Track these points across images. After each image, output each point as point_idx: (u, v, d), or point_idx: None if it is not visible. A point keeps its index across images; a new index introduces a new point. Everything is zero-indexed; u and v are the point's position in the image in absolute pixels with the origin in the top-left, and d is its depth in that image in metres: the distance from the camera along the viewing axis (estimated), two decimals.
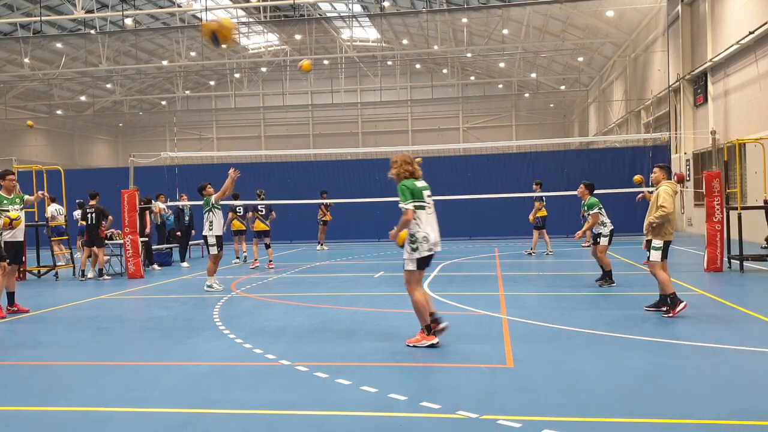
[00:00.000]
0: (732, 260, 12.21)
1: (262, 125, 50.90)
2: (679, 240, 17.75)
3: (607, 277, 10.39)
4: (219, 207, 11.37)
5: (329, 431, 4.27)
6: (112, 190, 16.66)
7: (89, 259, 13.76)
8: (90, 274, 13.67)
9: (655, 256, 7.81)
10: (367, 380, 5.27)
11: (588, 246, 14.60)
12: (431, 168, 22.30)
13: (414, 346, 6.37)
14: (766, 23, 16.30)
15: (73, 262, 14.38)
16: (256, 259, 14.87)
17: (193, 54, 38.24)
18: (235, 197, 15.82)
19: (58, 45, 35.80)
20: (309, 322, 7.94)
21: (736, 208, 12.23)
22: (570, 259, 15.17)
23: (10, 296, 9.12)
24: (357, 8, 35.72)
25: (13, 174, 9.57)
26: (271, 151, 32.46)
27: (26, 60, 34.43)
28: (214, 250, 11.16)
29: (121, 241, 13.81)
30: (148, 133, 50.51)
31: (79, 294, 11.25)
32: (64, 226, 15.19)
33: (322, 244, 19.73)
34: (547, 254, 16.07)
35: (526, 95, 45.46)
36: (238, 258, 16.06)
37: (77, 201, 16.37)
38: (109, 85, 44.40)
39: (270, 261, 14.70)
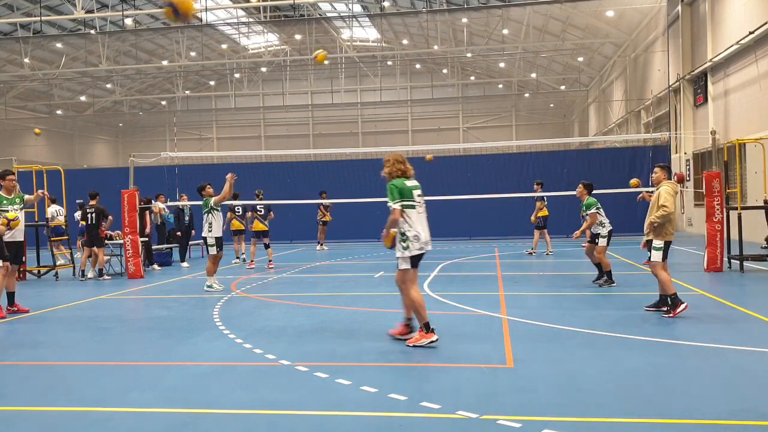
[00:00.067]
0: (732, 260, 12.21)
1: (262, 125, 50.90)
2: (679, 240, 17.75)
3: (607, 277, 10.39)
4: (218, 209, 11.37)
5: (329, 431, 4.27)
6: (112, 190, 16.67)
7: (89, 259, 13.76)
8: (90, 274, 13.67)
9: (656, 256, 7.81)
10: (367, 380, 5.27)
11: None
12: (431, 168, 22.40)
13: (415, 346, 6.37)
14: (766, 23, 16.30)
15: (73, 262, 14.38)
16: (252, 260, 14.86)
17: (193, 54, 38.25)
18: (235, 197, 15.81)
19: (58, 45, 35.80)
20: (309, 322, 7.94)
21: (736, 208, 12.23)
22: (570, 259, 15.17)
23: (10, 296, 9.12)
24: (357, 8, 35.72)
25: (13, 174, 9.57)
26: (271, 151, 32.46)
27: (26, 60, 34.43)
28: (213, 251, 11.16)
29: (121, 241, 13.81)
30: (148, 133, 50.52)
31: (79, 294, 11.25)
32: (63, 227, 15.19)
33: (322, 244, 19.73)
34: (547, 254, 16.08)
35: (526, 95, 45.47)
36: (237, 258, 16.06)
37: (77, 201, 16.37)
38: (109, 85, 44.41)
39: (270, 261, 14.69)
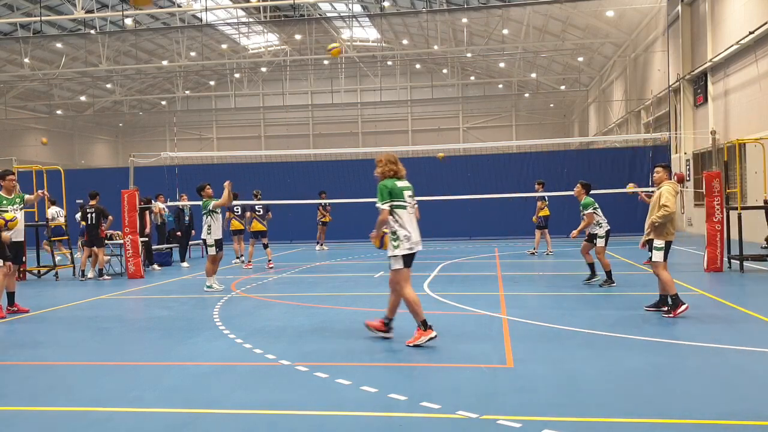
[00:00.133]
0: (732, 260, 12.21)
1: (262, 125, 50.91)
2: (679, 240, 17.74)
3: (607, 277, 10.39)
4: (218, 211, 11.37)
5: (329, 431, 4.27)
6: (112, 190, 16.67)
7: (89, 259, 13.76)
8: (90, 274, 13.67)
9: (658, 256, 7.81)
10: (367, 380, 5.27)
11: None
12: (431, 168, 22.43)
13: (415, 346, 6.37)
14: (766, 23, 16.30)
15: (73, 262, 14.37)
16: (250, 260, 14.86)
17: (193, 54, 38.24)
18: (235, 197, 15.81)
19: (58, 45, 35.80)
20: (309, 322, 7.94)
21: (736, 208, 12.23)
22: (570, 259, 15.16)
23: (10, 296, 9.12)
24: (357, 8, 35.71)
25: (13, 174, 9.57)
26: (271, 151, 32.47)
27: (26, 60, 34.43)
28: (212, 251, 11.15)
29: (121, 241, 13.81)
30: (148, 133, 50.51)
31: (79, 294, 11.25)
32: (63, 227, 15.19)
33: (321, 245, 19.73)
34: (547, 254, 16.08)
35: (526, 95, 45.47)
36: (237, 258, 16.06)
37: (77, 201, 16.37)
38: (109, 85, 44.41)
39: (269, 261, 14.69)
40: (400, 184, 6.62)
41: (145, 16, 34.03)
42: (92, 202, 13.51)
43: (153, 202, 16.17)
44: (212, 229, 11.17)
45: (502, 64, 42.36)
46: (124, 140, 51.79)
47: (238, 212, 15.68)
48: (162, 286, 12.19)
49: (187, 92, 46.93)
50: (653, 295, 8.37)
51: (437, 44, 37.58)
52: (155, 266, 15.07)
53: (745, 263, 12.03)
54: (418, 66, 46.26)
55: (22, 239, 9.62)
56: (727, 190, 13.44)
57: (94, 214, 13.31)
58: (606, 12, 28.87)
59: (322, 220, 19.67)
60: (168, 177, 21.39)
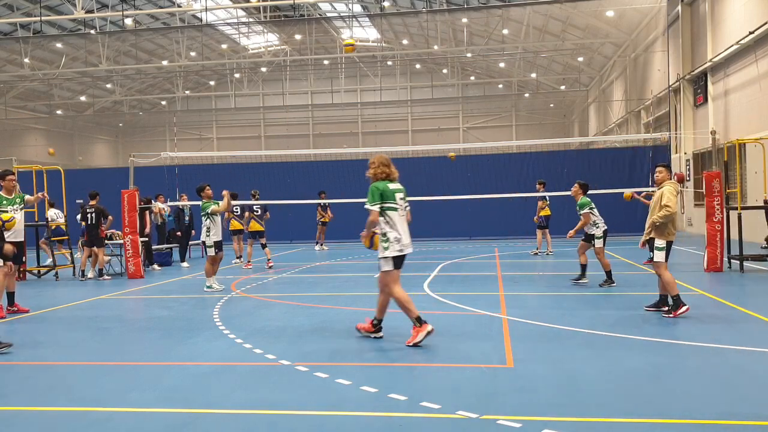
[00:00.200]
0: (732, 260, 12.21)
1: (262, 125, 50.91)
2: (679, 240, 17.74)
3: (607, 277, 10.39)
4: (217, 213, 11.37)
5: (329, 431, 4.27)
6: (112, 190, 16.67)
7: (89, 259, 13.76)
8: (90, 274, 13.67)
9: (660, 256, 7.81)
10: (367, 380, 5.27)
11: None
12: (431, 168, 22.43)
13: (414, 345, 6.38)
14: (766, 23, 16.30)
15: (73, 262, 14.37)
16: (249, 261, 14.86)
17: (193, 54, 38.25)
18: (234, 197, 15.81)
19: (58, 45, 35.81)
20: (309, 322, 7.94)
21: (736, 208, 12.23)
22: (570, 259, 15.15)
23: (10, 296, 9.11)
24: (357, 8, 35.72)
25: (13, 174, 9.58)
26: (271, 151, 32.46)
27: (26, 60, 34.43)
28: (211, 252, 11.15)
29: (121, 241, 13.81)
30: (148, 133, 50.52)
31: (79, 294, 11.25)
32: (63, 228, 15.18)
33: (321, 245, 19.73)
34: (547, 254, 16.08)
35: (526, 95, 45.48)
36: (237, 258, 16.06)
37: (77, 201, 16.37)
38: (109, 85, 44.41)
39: (269, 260, 14.70)
40: (392, 186, 6.67)
41: (145, 16, 34.09)
42: (92, 202, 13.51)
43: (153, 202, 16.17)
44: (211, 231, 11.17)
45: (502, 64, 42.36)
46: (124, 140, 51.79)
47: (237, 212, 15.68)
48: (162, 286, 12.19)
49: (187, 92, 46.94)
50: (653, 295, 8.37)
51: (437, 44, 37.58)
52: (155, 266, 15.07)
53: (745, 263, 12.03)
54: (418, 66, 46.26)
55: (22, 239, 9.62)
56: (727, 190, 13.44)
57: (94, 214, 13.31)
58: (606, 12, 28.87)
59: (321, 220, 19.67)
60: (168, 177, 21.39)
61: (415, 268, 13.63)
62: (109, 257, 14.42)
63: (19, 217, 9.34)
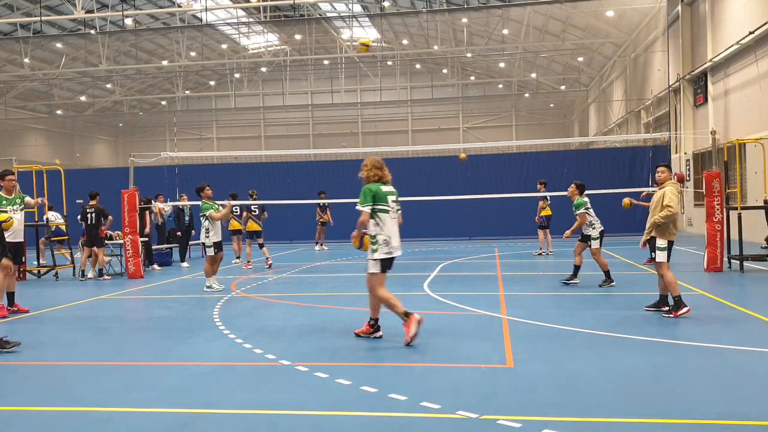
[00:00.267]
0: (732, 260, 12.21)
1: (262, 125, 50.91)
2: (679, 240, 17.71)
3: (606, 277, 10.39)
4: (218, 209, 11.36)
5: (329, 431, 4.27)
6: (112, 190, 16.66)
7: (89, 259, 13.76)
8: (90, 274, 13.67)
9: (662, 256, 7.81)
10: (367, 380, 5.27)
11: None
12: (431, 168, 22.43)
13: (410, 344, 6.40)
14: (766, 23, 16.30)
15: (73, 262, 14.37)
16: (249, 261, 14.86)
17: (193, 54, 38.25)
18: (233, 197, 15.81)
19: (58, 45, 35.81)
20: (309, 322, 7.95)
21: (736, 208, 12.23)
22: (570, 259, 15.14)
23: (10, 296, 9.11)
24: (357, 8, 35.72)
25: (13, 174, 9.56)
26: (271, 151, 32.46)
27: (26, 60, 34.43)
28: (210, 252, 11.16)
29: (121, 241, 13.81)
30: (148, 133, 50.52)
31: (79, 294, 11.25)
32: (63, 229, 15.18)
33: (321, 245, 19.73)
34: (547, 254, 16.08)
35: (526, 95, 45.47)
36: (237, 258, 16.06)
37: (77, 201, 16.36)
38: (109, 85, 44.42)
39: (267, 259, 14.71)
40: (384, 188, 6.75)
41: (145, 16, 34.10)
42: (92, 202, 13.51)
43: (153, 202, 16.17)
44: (210, 232, 11.17)
45: (502, 64, 42.36)
46: (124, 140, 51.80)
47: (236, 212, 15.68)
48: (162, 286, 12.19)
49: (187, 92, 46.94)
50: (653, 295, 8.37)
51: (437, 44, 37.58)
52: (155, 266, 15.07)
53: (745, 263, 12.04)
54: (418, 66, 46.26)
55: (22, 240, 9.62)
56: (727, 190, 13.44)
57: (94, 214, 13.31)
58: (606, 12, 28.87)
59: (320, 220, 19.67)
60: (168, 177, 21.39)
61: (415, 268, 13.64)
62: (110, 257, 14.41)
63: (18, 217, 9.34)
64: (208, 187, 11.52)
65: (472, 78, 47.14)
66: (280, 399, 4.92)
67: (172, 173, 21.95)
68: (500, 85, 46.91)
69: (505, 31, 33.84)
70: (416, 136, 47.65)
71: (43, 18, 28.21)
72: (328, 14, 36.37)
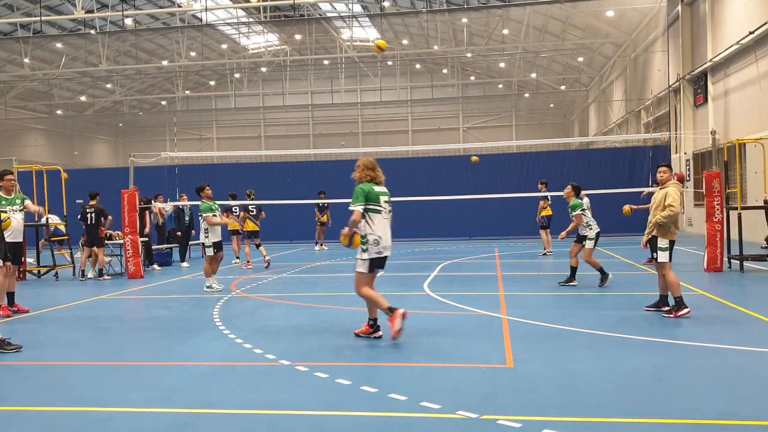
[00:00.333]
0: (732, 260, 12.21)
1: (262, 125, 50.92)
2: (679, 240, 17.71)
3: (601, 274, 10.37)
4: (216, 215, 11.37)
5: (329, 431, 4.27)
6: (112, 190, 16.66)
7: (89, 259, 13.76)
8: (90, 274, 13.67)
9: (664, 256, 7.81)
10: (367, 380, 5.27)
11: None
12: (431, 168, 22.43)
13: (395, 339, 6.51)
14: (766, 23, 16.30)
15: (73, 262, 14.37)
16: (249, 261, 14.87)
17: (193, 54, 38.26)
18: (233, 197, 15.82)
19: (58, 45, 35.81)
20: (309, 322, 7.95)
21: (736, 208, 12.23)
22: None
23: (10, 296, 9.11)
24: (357, 8, 35.72)
25: (12, 174, 9.55)
26: (271, 151, 32.46)
27: (26, 60, 34.44)
28: (210, 252, 11.16)
29: (121, 241, 13.81)
30: (148, 133, 50.53)
31: (79, 294, 11.25)
32: (62, 229, 15.17)
33: (321, 245, 19.73)
34: (545, 254, 16.07)
35: (526, 95, 45.48)
36: (237, 258, 16.06)
37: (77, 201, 16.35)
38: (109, 85, 44.42)
39: (265, 257, 14.76)
40: (377, 189, 6.83)
41: (145, 16, 34.10)
42: (92, 202, 13.51)
43: (153, 202, 16.17)
44: (209, 232, 11.17)
45: (502, 64, 42.37)
46: (124, 140, 51.80)
47: (236, 212, 15.68)
48: (162, 286, 12.19)
49: (187, 92, 46.94)
50: (653, 295, 8.37)
51: (437, 44, 37.59)
52: (155, 266, 15.07)
53: (745, 263, 12.03)
54: (418, 66, 46.26)
55: (21, 240, 9.62)
56: (727, 190, 13.44)
57: (93, 214, 13.31)
58: (606, 12, 28.87)
59: (320, 220, 19.67)
60: (168, 177, 21.39)
61: (415, 268, 13.64)
62: (110, 257, 14.41)
63: (18, 217, 9.33)
64: (208, 187, 11.52)
65: (472, 78, 47.15)
66: (280, 399, 4.92)
67: (172, 173, 21.95)
68: (500, 85, 46.92)
69: (505, 31, 33.84)
70: (416, 136, 47.66)
71: (43, 18, 28.22)
72: (328, 14, 36.37)
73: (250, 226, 14.96)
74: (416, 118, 48.25)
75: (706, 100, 21.35)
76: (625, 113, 32.80)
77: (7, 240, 8.95)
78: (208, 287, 11.01)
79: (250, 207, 15.15)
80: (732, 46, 18.39)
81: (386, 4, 33.65)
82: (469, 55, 39.65)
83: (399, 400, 4.76)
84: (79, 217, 13.58)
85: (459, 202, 19.70)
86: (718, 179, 12.17)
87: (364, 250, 6.69)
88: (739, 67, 18.71)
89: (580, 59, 38.13)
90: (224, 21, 35.13)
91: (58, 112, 45.59)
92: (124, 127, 51.89)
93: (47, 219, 14.58)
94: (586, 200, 15.72)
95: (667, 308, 7.84)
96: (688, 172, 22.61)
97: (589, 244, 10.40)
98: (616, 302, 8.99)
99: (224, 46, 40.46)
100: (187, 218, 16.38)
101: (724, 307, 8.37)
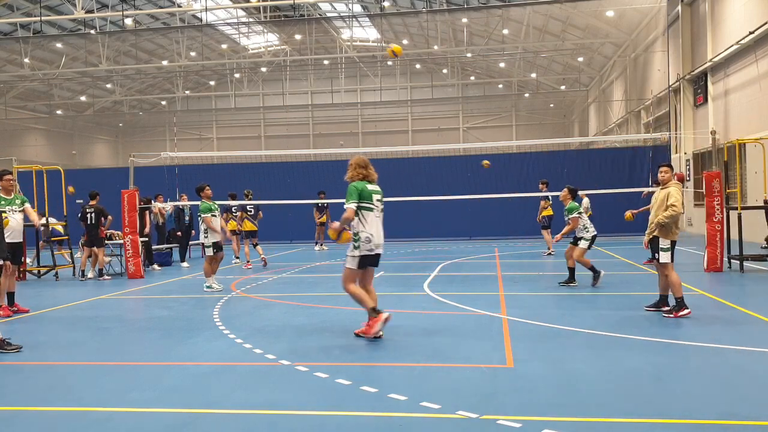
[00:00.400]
0: (732, 260, 12.21)
1: (262, 125, 50.91)
2: (679, 240, 17.71)
3: (593, 273, 10.36)
4: (216, 215, 11.38)
5: (329, 431, 4.27)
6: (112, 190, 16.66)
7: (89, 259, 13.76)
8: (90, 274, 13.67)
9: (666, 257, 7.80)
10: (367, 380, 5.27)
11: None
12: (431, 168, 22.43)
13: (362, 336, 6.66)
14: (766, 23, 16.30)
15: (73, 263, 14.37)
16: (249, 261, 14.87)
17: (193, 54, 38.26)
18: (233, 197, 15.81)
19: (58, 45, 35.81)
20: (309, 322, 7.95)
21: (736, 208, 12.23)
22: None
23: (10, 296, 9.11)
24: (357, 8, 35.72)
25: (11, 174, 9.55)
26: (271, 151, 32.46)
27: (26, 60, 34.44)
28: (209, 252, 11.17)
29: (121, 241, 13.81)
30: (148, 133, 50.53)
31: (79, 294, 11.25)
32: (60, 230, 15.17)
33: (321, 245, 19.74)
34: (545, 254, 16.07)
35: (526, 95, 45.48)
36: (236, 258, 16.06)
37: (78, 201, 16.35)
38: (109, 85, 44.42)
39: (261, 256, 14.80)
40: (370, 187, 6.89)
41: (145, 16, 34.10)
42: (92, 202, 13.51)
43: (153, 202, 16.17)
44: (209, 233, 11.17)
45: (502, 64, 42.36)
46: (124, 140, 51.81)
47: (235, 213, 15.68)
48: (162, 286, 12.19)
49: (187, 92, 46.94)
50: (653, 295, 8.37)
51: (437, 44, 37.59)
52: (155, 266, 15.07)
53: (745, 263, 12.03)
54: (418, 66, 46.26)
55: (21, 240, 9.61)
56: (727, 190, 13.44)
57: (93, 214, 13.31)
58: (606, 12, 28.87)
59: (319, 220, 19.67)
60: (168, 177, 21.38)
61: (415, 268, 13.64)
62: (110, 257, 14.41)
63: (17, 218, 9.33)
64: (208, 187, 11.52)
65: (472, 78, 47.15)
66: (280, 399, 4.92)
67: (172, 173, 21.95)
68: (500, 85, 46.92)
69: (505, 31, 33.84)
70: (416, 136, 47.66)
71: (43, 18, 28.21)
72: (328, 14, 36.37)
73: (249, 225, 14.98)
74: (416, 118, 48.25)
75: (706, 100, 21.35)
76: (625, 113, 32.80)
77: (7, 240, 8.95)
78: (208, 287, 11.01)
79: (248, 207, 15.17)
80: (732, 46, 18.39)
81: (386, 4, 33.65)
82: (469, 55, 39.65)
83: (399, 400, 4.76)
84: (79, 217, 13.58)
85: (459, 202, 19.70)
86: (718, 179, 12.17)
87: (355, 247, 6.74)
88: (739, 67, 18.71)
89: (580, 59, 38.12)
90: (224, 21, 35.13)
91: (58, 112, 45.58)
92: (124, 127, 51.88)
93: (47, 220, 14.60)
94: (586, 200, 15.76)
95: (667, 308, 7.85)
96: (688, 172, 22.61)
97: (582, 244, 10.42)
98: (616, 302, 8.99)
99: (224, 46, 40.46)
100: (187, 218, 16.38)
101: (724, 307, 8.37)
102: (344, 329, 7.43)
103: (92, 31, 32.64)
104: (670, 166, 8.26)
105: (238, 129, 50.38)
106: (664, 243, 7.80)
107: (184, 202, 16.63)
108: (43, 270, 13.97)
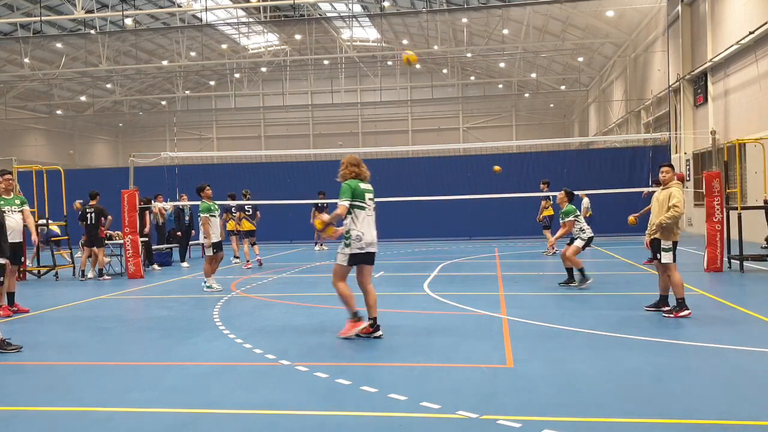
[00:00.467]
0: (732, 260, 12.21)
1: (262, 125, 50.92)
2: (680, 240, 17.74)
3: (580, 274, 10.34)
4: (216, 215, 11.37)
5: (329, 431, 4.27)
6: (112, 190, 16.65)
7: (89, 259, 13.76)
8: (90, 274, 13.67)
9: (668, 257, 7.79)
10: (367, 380, 5.27)
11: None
12: (431, 168, 22.42)
13: (347, 338, 6.70)
14: (766, 23, 16.30)
15: (73, 263, 14.37)
16: (248, 261, 14.87)
17: (193, 54, 38.26)
18: (232, 198, 15.80)
19: (58, 45, 35.81)
20: (309, 322, 7.95)
21: (736, 208, 12.22)
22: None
23: (10, 296, 9.10)
24: (357, 8, 35.72)
25: (10, 174, 9.55)
26: (271, 151, 32.47)
27: (26, 60, 34.44)
28: (209, 252, 11.17)
29: (121, 241, 13.81)
30: (148, 133, 50.53)
31: (79, 294, 11.25)
32: (57, 231, 15.16)
33: (321, 245, 19.73)
34: (544, 254, 16.06)
35: (526, 95, 45.48)
36: (236, 258, 16.06)
37: (78, 201, 16.30)
38: (109, 85, 44.42)
39: (257, 256, 14.89)
40: (362, 186, 6.91)
41: (145, 16, 34.10)
42: (92, 202, 13.51)
43: (152, 202, 16.17)
44: (212, 231, 11.17)
45: (502, 64, 42.36)
46: (124, 140, 51.81)
47: (234, 213, 15.68)
48: (162, 286, 12.19)
49: (187, 92, 46.94)
50: (653, 295, 8.37)
51: (437, 44, 37.59)
52: (155, 266, 15.07)
53: (745, 263, 12.03)
54: (418, 66, 46.22)
55: (21, 240, 9.61)
56: (727, 190, 13.44)
57: (93, 214, 13.31)
58: (606, 12, 28.87)
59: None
60: (168, 177, 21.37)
61: (415, 268, 13.64)
62: (110, 257, 14.41)
63: (17, 218, 9.33)
64: (208, 187, 11.52)
65: (472, 78, 47.15)
66: (280, 399, 4.92)
67: (172, 173, 21.94)
68: (500, 85, 46.92)
69: (505, 31, 33.84)
70: (416, 136, 47.66)
71: (43, 18, 28.21)
72: (328, 14, 36.37)
73: (247, 225, 14.99)
74: (416, 118, 48.25)
75: (706, 100, 21.35)
76: (625, 113, 32.80)
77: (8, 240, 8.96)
78: (207, 287, 11.01)
79: (246, 207, 15.18)
80: (732, 46, 18.39)
81: (386, 4, 33.65)
82: (469, 55, 39.65)
83: (399, 400, 4.76)
84: (79, 217, 13.58)
85: (459, 202, 19.69)
86: (718, 179, 12.17)
87: (346, 245, 6.77)
88: (739, 67, 18.71)
89: (580, 59, 38.13)
90: (224, 21, 35.13)
91: (58, 112, 45.59)
92: (124, 127, 51.89)
93: (47, 221, 14.60)
94: (586, 200, 15.77)
95: (667, 308, 7.84)
96: (688, 172, 22.61)
97: (578, 243, 10.42)
98: (616, 302, 8.99)
99: (224, 46, 40.46)
100: (187, 218, 16.38)
101: (724, 307, 8.37)
102: None
103: (92, 31, 32.64)
104: (671, 166, 8.25)
105: (238, 129, 50.38)
106: (665, 243, 7.80)
107: (184, 202, 16.63)
108: (43, 270, 13.97)
